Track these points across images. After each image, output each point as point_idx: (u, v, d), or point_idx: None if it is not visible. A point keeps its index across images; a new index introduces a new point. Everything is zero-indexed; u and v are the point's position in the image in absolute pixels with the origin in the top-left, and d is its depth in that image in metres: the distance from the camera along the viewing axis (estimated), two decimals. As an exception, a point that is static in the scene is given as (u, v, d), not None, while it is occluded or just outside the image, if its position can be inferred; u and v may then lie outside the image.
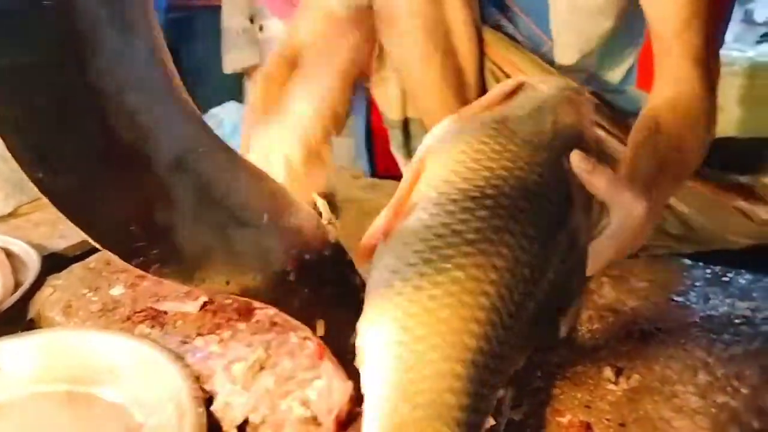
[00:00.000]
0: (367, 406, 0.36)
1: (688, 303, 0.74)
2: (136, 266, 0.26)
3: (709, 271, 0.80)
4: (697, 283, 0.78)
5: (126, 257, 0.25)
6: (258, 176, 0.30)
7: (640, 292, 0.76)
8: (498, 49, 0.86)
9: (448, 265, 0.38)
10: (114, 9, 0.22)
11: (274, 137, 0.47)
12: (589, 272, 0.48)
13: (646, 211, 0.47)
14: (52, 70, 0.20)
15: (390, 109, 1.01)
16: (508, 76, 0.87)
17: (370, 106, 1.61)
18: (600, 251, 0.48)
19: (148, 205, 0.25)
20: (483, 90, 0.88)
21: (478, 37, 0.84)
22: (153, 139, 0.24)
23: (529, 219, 0.43)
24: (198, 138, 0.27)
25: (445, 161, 0.44)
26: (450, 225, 0.40)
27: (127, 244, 0.25)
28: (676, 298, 0.76)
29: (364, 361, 0.38)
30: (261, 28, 2.09)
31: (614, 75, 0.89)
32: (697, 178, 0.80)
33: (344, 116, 0.73)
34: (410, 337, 0.36)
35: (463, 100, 0.85)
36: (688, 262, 0.83)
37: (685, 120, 0.59)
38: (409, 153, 0.98)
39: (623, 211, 0.47)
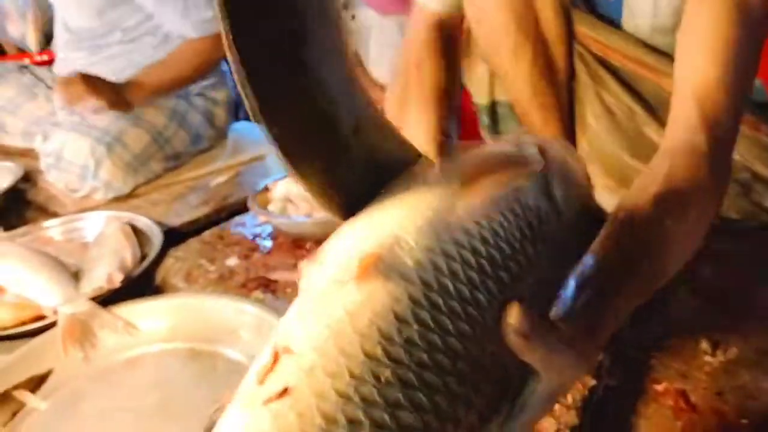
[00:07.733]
0: None
1: (788, 279, 0.73)
2: (327, 210, 0.32)
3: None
4: (799, 260, 0.77)
5: (322, 204, 0.32)
6: (397, 134, 0.36)
7: (737, 269, 0.76)
8: (586, 30, 0.86)
9: None
10: (316, 8, 0.30)
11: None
12: None
13: (580, 371, 0.35)
14: (277, 55, 0.28)
15: (478, 92, 1.03)
16: (595, 57, 0.87)
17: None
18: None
19: (334, 161, 0.32)
20: (571, 72, 0.88)
21: (567, 22, 0.84)
22: (338, 106, 0.31)
23: None
24: (366, 106, 0.33)
25: None
26: None
27: (323, 194, 0.31)
28: (776, 275, 0.74)
29: None
30: (353, 17, 2.15)
31: None
32: None
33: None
34: None
35: (554, 86, 0.86)
36: (788, 238, 0.81)
37: (678, 197, 0.48)
38: (496, 134, 1.00)
39: (555, 378, 0.34)
